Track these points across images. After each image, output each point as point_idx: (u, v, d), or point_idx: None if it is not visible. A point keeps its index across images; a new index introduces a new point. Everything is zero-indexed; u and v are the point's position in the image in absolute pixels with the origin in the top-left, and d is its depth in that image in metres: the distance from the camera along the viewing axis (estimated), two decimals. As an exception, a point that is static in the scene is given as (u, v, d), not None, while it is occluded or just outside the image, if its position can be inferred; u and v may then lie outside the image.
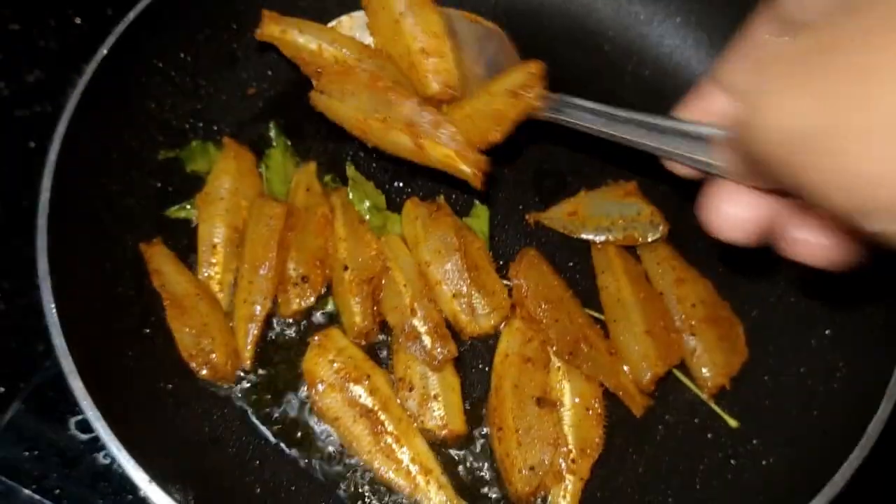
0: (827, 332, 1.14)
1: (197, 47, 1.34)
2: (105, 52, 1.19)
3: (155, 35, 1.27)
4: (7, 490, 1.16)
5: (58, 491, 1.15)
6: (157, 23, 1.27)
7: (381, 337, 1.18)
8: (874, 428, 0.95)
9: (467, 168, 1.10)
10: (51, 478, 1.16)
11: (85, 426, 1.20)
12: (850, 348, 1.10)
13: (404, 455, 1.07)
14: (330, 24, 1.32)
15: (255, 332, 1.15)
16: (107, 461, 1.18)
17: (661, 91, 1.37)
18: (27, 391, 1.22)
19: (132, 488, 1.15)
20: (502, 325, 1.17)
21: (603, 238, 1.22)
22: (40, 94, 1.55)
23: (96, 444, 1.19)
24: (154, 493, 0.92)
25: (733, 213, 0.84)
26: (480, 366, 1.16)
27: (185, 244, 1.23)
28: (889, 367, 0.99)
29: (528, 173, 1.32)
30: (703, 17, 1.37)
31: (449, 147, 1.11)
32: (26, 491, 1.15)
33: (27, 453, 1.18)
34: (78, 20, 1.64)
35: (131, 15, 1.22)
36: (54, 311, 1.00)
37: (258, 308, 1.15)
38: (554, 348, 1.13)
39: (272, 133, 1.33)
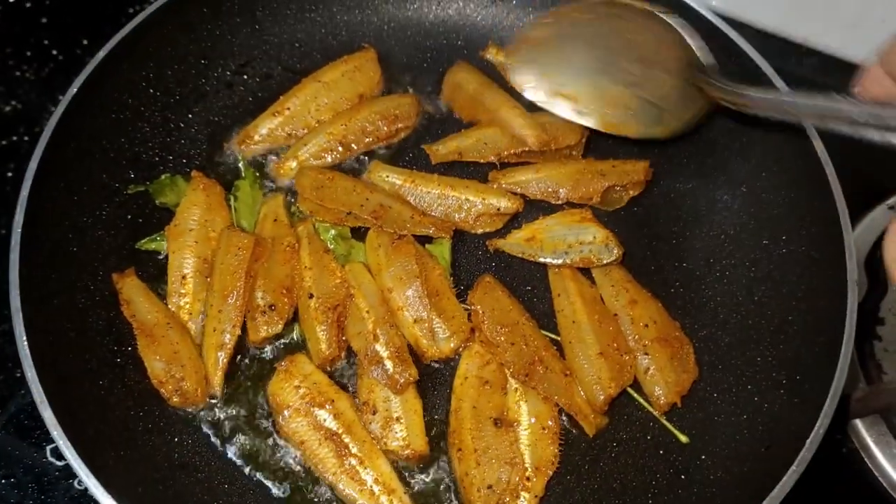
0: (772, 351, 1.19)
1: (166, 83, 1.38)
2: (76, 89, 1.24)
3: (125, 72, 1.32)
4: (-16, 516, 1.19)
5: None
6: (127, 60, 1.31)
7: (346, 362, 1.22)
8: (812, 442, 1.01)
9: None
10: None
11: (60, 453, 1.22)
12: (792, 366, 1.15)
13: (368, 476, 1.11)
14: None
15: (225, 359, 1.18)
16: (81, 487, 1.21)
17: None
18: (3, 419, 1.25)
19: (106, 514, 1.19)
20: (462, 348, 1.21)
21: (560, 261, 1.27)
22: (17, 123, 1.59)
23: (72, 471, 1.19)
24: (123, 520, 0.95)
25: None
26: (441, 388, 1.20)
27: (155, 275, 1.26)
28: (827, 384, 1.05)
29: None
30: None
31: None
32: None
33: (4, 480, 1.20)
34: (54, 52, 1.68)
35: (101, 53, 1.27)
36: (26, 343, 1.04)
37: (227, 336, 1.19)
38: (511, 370, 1.17)
39: (241, 165, 1.37)
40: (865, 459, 1.29)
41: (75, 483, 1.22)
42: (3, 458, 1.22)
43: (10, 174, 1.53)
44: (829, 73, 1.73)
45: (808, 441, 1.01)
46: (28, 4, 1.75)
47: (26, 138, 1.58)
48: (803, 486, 1.15)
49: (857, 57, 1.71)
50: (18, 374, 1.31)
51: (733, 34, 1.33)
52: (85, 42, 1.69)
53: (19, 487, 1.20)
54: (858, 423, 1.30)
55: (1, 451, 1.23)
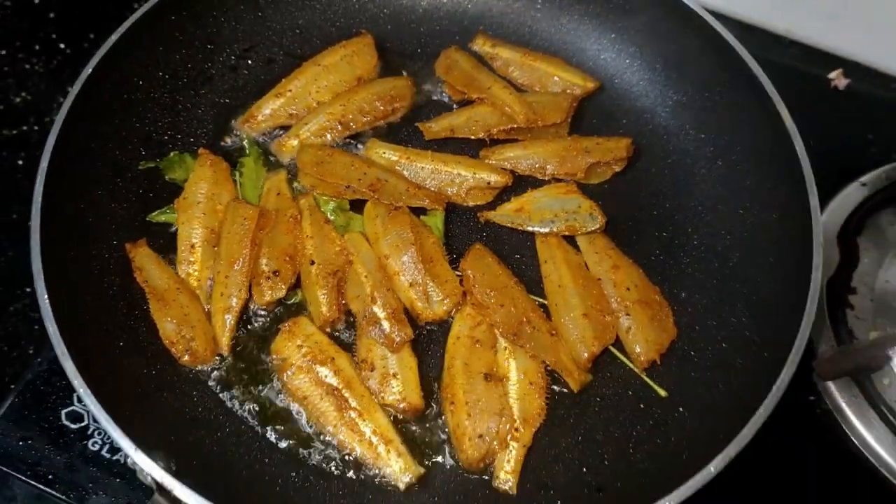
0: (745, 311, 1.26)
1: (174, 67, 1.45)
2: (90, 71, 1.31)
3: (135, 56, 1.39)
4: (3, 476, 1.24)
5: (50, 476, 1.22)
6: (137, 45, 1.39)
7: (346, 326, 1.29)
8: (778, 389, 1.08)
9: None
10: (43, 465, 1.23)
11: (75, 416, 1.28)
12: (764, 325, 1.22)
13: (367, 428, 1.17)
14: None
15: (232, 321, 1.25)
16: (95, 448, 1.25)
17: (598, 97, 1.52)
18: (20, 387, 1.29)
19: (120, 471, 1.23)
20: (454, 311, 1.28)
21: (547, 230, 1.34)
22: (27, 114, 1.65)
23: (86, 433, 1.26)
24: (140, 458, 1.02)
25: None
26: (435, 348, 1.27)
27: (165, 245, 1.33)
28: (793, 337, 1.13)
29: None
30: (634, 33, 1.52)
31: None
32: (21, 477, 1.22)
33: (21, 443, 1.24)
34: (62, 45, 1.75)
35: (113, 37, 1.34)
36: (47, 301, 1.10)
37: (234, 300, 1.26)
38: (500, 330, 1.24)
39: (245, 143, 1.44)
40: (839, 420, 1.35)
41: (89, 444, 1.25)
42: (20, 422, 1.27)
43: (20, 162, 1.59)
44: (810, 62, 1.80)
45: (775, 387, 1.08)
46: (36, 1, 1.81)
47: (36, 128, 1.63)
48: (780, 445, 1.25)
49: (837, 47, 1.78)
50: (31, 351, 1.38)
51: (718, 26, 1.40)
52: (92, 36, 1.75)
53: (36, 449, 1.24)
54: (831, 385, 1.36)
55: (17, 417, 1.27)
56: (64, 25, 1.77)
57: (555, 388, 1.24)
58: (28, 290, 1.44)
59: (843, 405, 1.35)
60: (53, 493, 1.21)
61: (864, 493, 1.32)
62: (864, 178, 1.58)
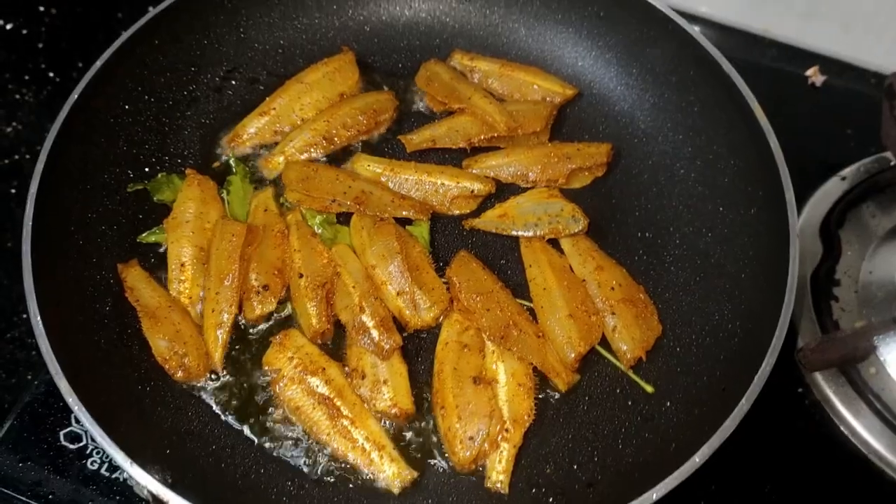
0: (728, 306, 1.28)
1: (159, 90, 1.48)
2: (76, 97, 1.33)
3: (120, 80, 1.42)
4: (4, 498, 1.25)
5: (51, 496, 1.24)
6: (122, 69, 1.42)
7: (335, 339, 1.31)
8: (760, 378, 1.10)
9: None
10: (43, 485, 1.25)
11: (73, 437, 1.30)
12: (746, 318, 1.25)
13: (359, 435, 1.19)
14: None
15: (224, 336, 1.27)
16: (94, 467, 1.27)
17: (577, 104, 1.55)
18: (18, 409, 1.32)
19: (119, 489, 1.25)
20: (442, 317, 1.30)
21: (531, 233, 1.36)
22: (19, 144, 1.67)
23: (84, 453, 1.28)
24: (136, 472, 1.03)
25: None
26: (425, 354, 1.29)
27: (156, 265, 1.35)
28: (771, 333, 1.15)
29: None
30: (609, 40, 1.55)
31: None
32: (22, 498, 1.24)
33: (21, 464, 1.27)
34: (51, 74, 1.77)
35: (98, 63, 1.37)
36: (40, 320, 1.12)
37: (225, 315, 1.28)
38: (487, 334, 1.26)
39: (232, 162, 1.46)
40: (827, 410, 1.36)
41: (88, 463, 1.28)
42: (20, 444, 1.29)
43: (13, 191, 1.60)
44: (787, 61, 1.83)
45: (757, 376, 1.10)
46: (24, 31, 1.84)
47: (28, 157, 1.65)
48: (770, 438, 1.26)
49: (814, 44, 1.82)
50: (29, 377, 1.39)
51: (690, 29, 1.43)
52: (80, 65, 1.77)
53: (36, 470, 1.27)
54: (818, 377, 1.38)
55: (17, 439, 1.29)
56: (53, 55, 1.80)
57: (544, 388, 1.26)
58: (24, 316, 1.45)
59: (831, 396, 1.37)
60: (54, 512, 1.23)
61: (856, 482, 1.33)
62: (843, 172, 1.61)
